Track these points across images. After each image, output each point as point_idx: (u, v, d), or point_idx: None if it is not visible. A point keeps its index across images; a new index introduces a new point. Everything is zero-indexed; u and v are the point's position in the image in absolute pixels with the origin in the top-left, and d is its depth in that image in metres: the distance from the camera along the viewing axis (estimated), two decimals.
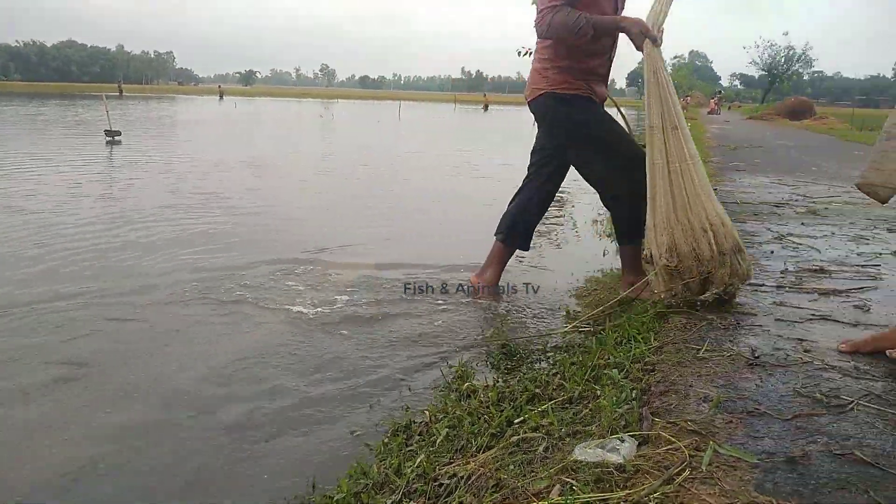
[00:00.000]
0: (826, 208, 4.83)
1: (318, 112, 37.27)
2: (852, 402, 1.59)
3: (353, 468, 1.84)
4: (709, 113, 28.92)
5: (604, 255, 4.70)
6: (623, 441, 1.45)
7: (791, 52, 54.03)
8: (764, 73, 54.80)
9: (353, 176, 9.79)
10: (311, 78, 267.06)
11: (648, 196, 2.52)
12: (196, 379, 2.60)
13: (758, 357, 1.90)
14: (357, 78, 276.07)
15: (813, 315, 2.32)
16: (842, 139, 15.76)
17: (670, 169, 2.44)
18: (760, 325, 2.21)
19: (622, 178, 3.00)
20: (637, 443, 1.46)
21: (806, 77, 56.26)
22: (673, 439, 1.41)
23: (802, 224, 4.19)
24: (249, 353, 2.85)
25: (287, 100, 65.67)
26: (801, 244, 3.55)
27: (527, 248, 3.66)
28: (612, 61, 3.15)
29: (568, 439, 1.63)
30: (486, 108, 50.88)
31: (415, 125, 27.71)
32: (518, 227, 3.48)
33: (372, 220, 6.18)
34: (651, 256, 2.51)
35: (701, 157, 7.73)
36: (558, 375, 2.24)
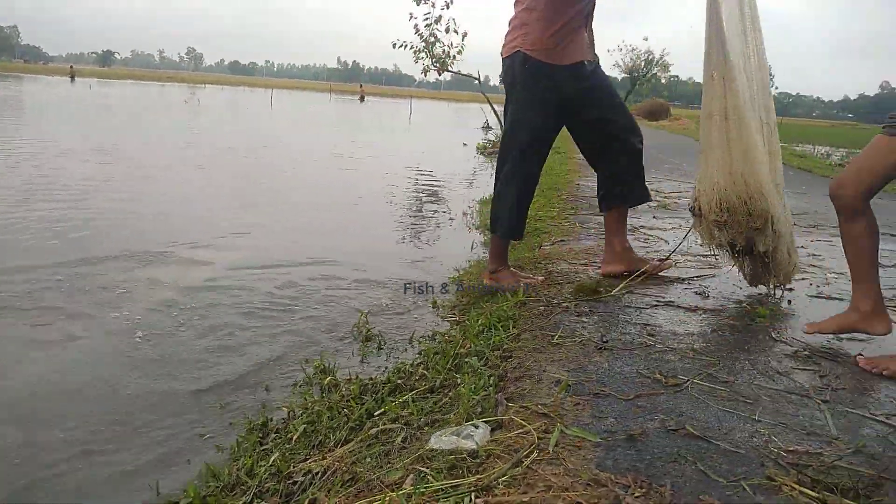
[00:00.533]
0: (675, 203, 5.19)
1: (183, 97, 35.24)
2: (687, 381, 1.71)
3: (203, 471, 1.75)
4: None
5: (472, 248, 4.79)
6: (477, 427, 1.47)
7: (650, 57, 57.32)
8: (626, 75, 57.76)
9: (213, 167, 9.35)
10: (176, 61, 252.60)
11: (700, 150, 2.41)
12: (19, 394, 2.36)
13: (606, 342, 1.99)
14: (227, 63, 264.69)
15: (658, 301, 2.47)
16: (694, 139, 17.04)
17: (729, 124, 2.29)
18: (611, 312, 2.33)
19: (519, 166, 2.73)
20: (490, 428, 1.48)
21: (664, 81, 59.90)
22: (524, 423, 1.45)
23: (654, 217, 4.48)
24: (80, 360, 2.64)
25: (150, 83, 61.37)
26: (651, 235, 3.79)
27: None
28: (594, 3, 2.77)
29: (427, 428, 1.64)
30: (362, 98, 50.45)
31: (287, 114, 26.93)
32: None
33: (227, 214, 5.91)
34: (700, 210, 2.40)
35: (564, 154, 7.89)
36: (422, 365, 2.25)
